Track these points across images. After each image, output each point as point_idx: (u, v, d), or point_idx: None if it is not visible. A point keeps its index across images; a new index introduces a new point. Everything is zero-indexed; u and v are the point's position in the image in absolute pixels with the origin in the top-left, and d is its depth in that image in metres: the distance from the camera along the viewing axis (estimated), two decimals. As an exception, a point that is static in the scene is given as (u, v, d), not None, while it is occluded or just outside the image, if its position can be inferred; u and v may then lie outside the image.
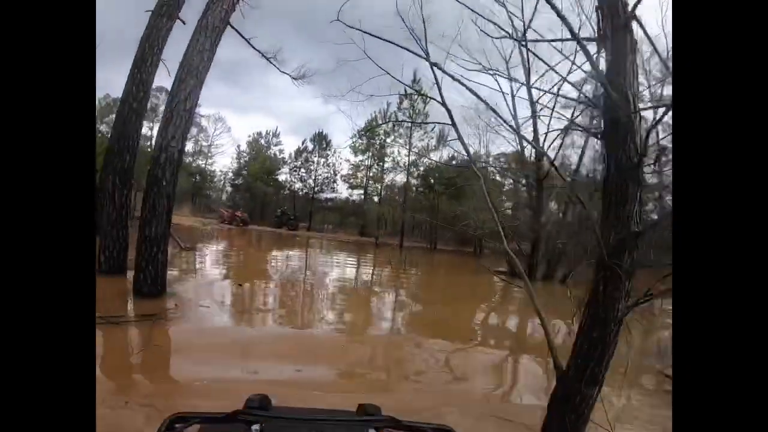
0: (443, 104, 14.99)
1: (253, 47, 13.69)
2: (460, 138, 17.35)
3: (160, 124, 6.45)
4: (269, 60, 14.85)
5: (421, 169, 33.11)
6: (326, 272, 12.25)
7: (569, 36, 2.76)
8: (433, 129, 31.59)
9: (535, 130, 16.44)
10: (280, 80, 54.99)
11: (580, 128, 16.03)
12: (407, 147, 32.40)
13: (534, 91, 16.53)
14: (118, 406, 2.82)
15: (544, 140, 16.42)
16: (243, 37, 12.88)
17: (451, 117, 15.02)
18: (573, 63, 3.26)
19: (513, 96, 17.53)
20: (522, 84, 16.54)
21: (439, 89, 14.83)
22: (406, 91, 28.82)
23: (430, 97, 19.20)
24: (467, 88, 3.85)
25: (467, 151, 17.52)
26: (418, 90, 21.92)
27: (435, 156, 30.33)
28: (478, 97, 4.14)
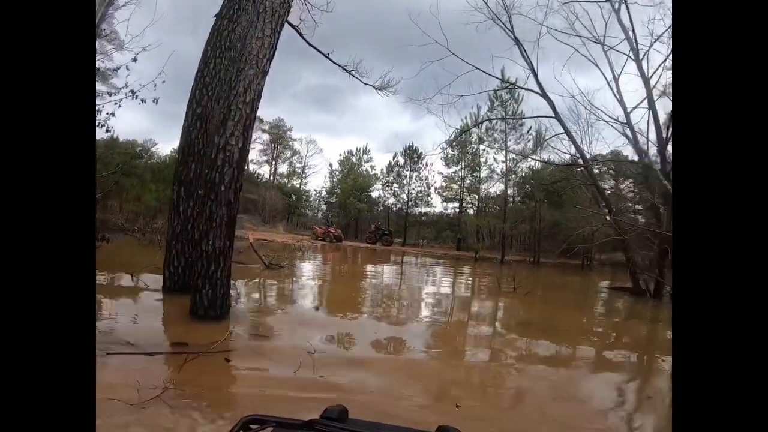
0: (543, 94, 12.70)
1: (332, 61, 13.69)
2: (566, 131, 15.04)
3: (217, 121, 5.65)
4: (350, 73, 14.72)
5: (518, 176, 30.84)
6: (431, 299, 9.97)
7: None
8: (529, 131, 29.27)
9: (654, 115, 13.39)
10: (369, 101, 56.55)
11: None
12: (503, 150, 30.21)
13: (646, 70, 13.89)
14: None
15: (668, 128, 13.42)
16: (321, 52, 12.60)
17: (553, 108, 12.58)
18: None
19: (616, 79, 14.83)
20: (628, 57, 13.88)
21: (536, 78, 12.41)
22: (495, 92, 27.20)
23: (527, 89, 17.09)
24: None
25: (576, 145, 15.33)
26: (512, 83, 20.00)
27: (532, 161, 27.74)
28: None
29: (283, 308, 7.12)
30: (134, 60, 12.15)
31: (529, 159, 27.32)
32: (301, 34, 11.73)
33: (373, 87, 16.72)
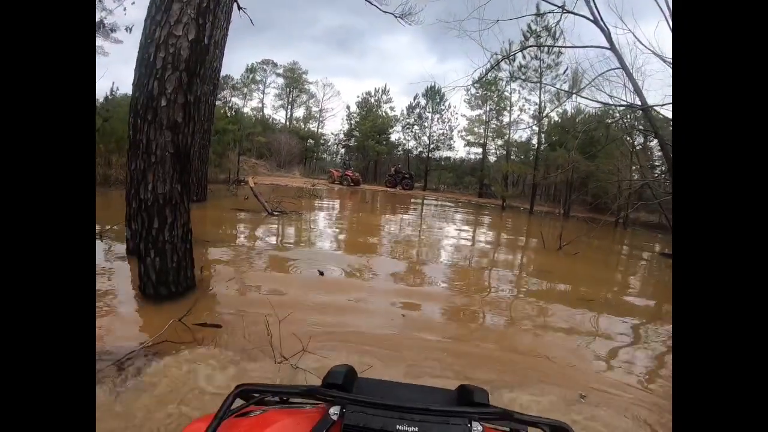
0: (596, 20, 9.55)
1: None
2: (623, 65, 12.16)
3: (158, 8, 3.68)
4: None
5: (551, 121, 28.30)
6: (476, 264, 7.88)
7: None
8: (565, 71, 26.25)
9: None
10: (392, 42, 52.71)
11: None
12: (536, 91, 27.43)
13: None
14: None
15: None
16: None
17: (608, 38, 9.37)
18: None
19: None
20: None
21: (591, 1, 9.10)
22: (529, 26, 24.12)
23: (577, 14, 14.21)
24: None
25: (634, 82, 12.77)
26: (560, 6, 17.16)
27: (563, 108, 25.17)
28: None
29: (273, 273, 5.48)
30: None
31: (573, 99, 24.46)
32: None
33: (393, 15, 14.56)
